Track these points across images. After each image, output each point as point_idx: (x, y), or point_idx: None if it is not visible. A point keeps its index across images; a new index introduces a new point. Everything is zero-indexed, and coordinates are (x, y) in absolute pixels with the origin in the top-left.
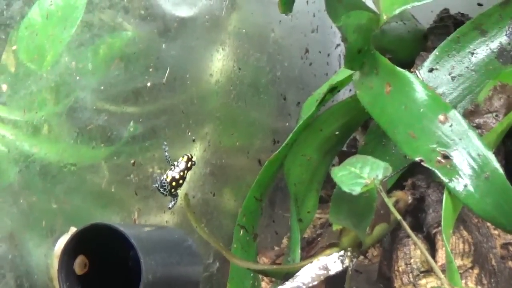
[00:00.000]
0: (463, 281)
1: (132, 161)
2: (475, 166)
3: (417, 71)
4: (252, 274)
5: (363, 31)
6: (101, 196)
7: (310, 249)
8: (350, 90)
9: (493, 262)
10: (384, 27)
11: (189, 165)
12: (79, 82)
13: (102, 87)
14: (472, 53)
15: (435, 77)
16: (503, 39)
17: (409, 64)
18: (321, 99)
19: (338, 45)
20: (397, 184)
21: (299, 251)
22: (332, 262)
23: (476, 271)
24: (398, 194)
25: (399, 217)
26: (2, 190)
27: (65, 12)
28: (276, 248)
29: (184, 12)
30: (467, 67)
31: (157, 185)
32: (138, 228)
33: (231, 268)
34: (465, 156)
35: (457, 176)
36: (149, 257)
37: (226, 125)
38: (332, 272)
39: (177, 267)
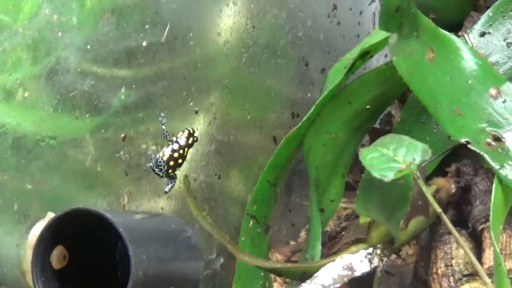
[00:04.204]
0: None
1: (123, 135)
2: None
3: (465, 35)
4: (262, 273)
5: None
6: (84, 176)
7: (332, 245)
8: (386, 55)
9: None
10: None
11: (190, 141)
12: (61, 39)
13: (88, 46)
14: None
15: (487, 42)
16: None
17: (456, 26)
18: (351, 66)
19: (373, 1)
20: (439, 170)
21: (320, 247)
22: (358, 261)
23: None
24: (439, 182)
25: (439, 209)
26: None
27: None
28: (292, 242)
29: None
30: None
31: (151, 164)
32: (128, 215)
33: (237, 266)
34: None
35: (510, 162)
36: (140, 250)
37: (235, 94)
38: (358, 273)
39: (174, 262)
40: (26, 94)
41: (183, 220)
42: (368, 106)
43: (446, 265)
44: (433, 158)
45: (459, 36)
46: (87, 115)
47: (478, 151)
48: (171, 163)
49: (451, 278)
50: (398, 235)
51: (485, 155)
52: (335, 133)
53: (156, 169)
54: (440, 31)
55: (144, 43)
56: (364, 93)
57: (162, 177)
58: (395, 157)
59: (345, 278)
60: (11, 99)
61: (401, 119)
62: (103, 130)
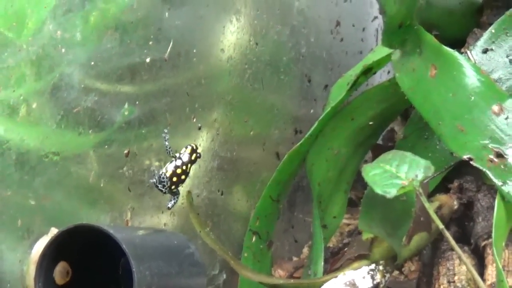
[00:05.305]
0: None
1: (126, 151)
2: None
3: (468, 52)
4: None
5: (406, 1)
6: (88, 191)
7: (335, 261)
8: (389, 72)
9: None
10: None
11: (193, 157)
12: (65, 55)
13: (92, 62)
14: None
15: (490, 59)
16: None
17: (459, 43)
18: (353, 82)
19: (376, 17)
20: (441, 187)
21: (322, 263)
22: (360, 277)
23: None
24: (442, 198)
25: (441, 225)
26: None
27: None
28: (295, 258)
29: None
30: None
31: (154, 180)
32: (131, 231)
33: (240, 282)
34: None
35: None
36: (143, 266)
37: (238, 110)
38: None
39: (176, 278)
40: (30, 110)
41: (186, 236)
42: (370, 123)
43: (449, 281)
44: (435, 175)
45: (461, 53)
46: (90, 131)
47: (480, 167)
48: (174, 179)
49: None
50: (400, 251)
51: (488, 172)
52: (337, 149)
53: (159, 185)
54: (443, 48)
55: (148, 60)
56: (367, 109)
57: (165, 193)
58: (397, 174)
59: None
60: (15, 115)
61: (403, 135)
62: (106, 146)
